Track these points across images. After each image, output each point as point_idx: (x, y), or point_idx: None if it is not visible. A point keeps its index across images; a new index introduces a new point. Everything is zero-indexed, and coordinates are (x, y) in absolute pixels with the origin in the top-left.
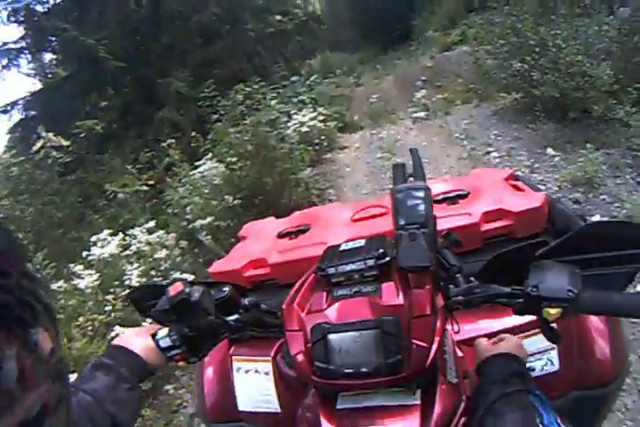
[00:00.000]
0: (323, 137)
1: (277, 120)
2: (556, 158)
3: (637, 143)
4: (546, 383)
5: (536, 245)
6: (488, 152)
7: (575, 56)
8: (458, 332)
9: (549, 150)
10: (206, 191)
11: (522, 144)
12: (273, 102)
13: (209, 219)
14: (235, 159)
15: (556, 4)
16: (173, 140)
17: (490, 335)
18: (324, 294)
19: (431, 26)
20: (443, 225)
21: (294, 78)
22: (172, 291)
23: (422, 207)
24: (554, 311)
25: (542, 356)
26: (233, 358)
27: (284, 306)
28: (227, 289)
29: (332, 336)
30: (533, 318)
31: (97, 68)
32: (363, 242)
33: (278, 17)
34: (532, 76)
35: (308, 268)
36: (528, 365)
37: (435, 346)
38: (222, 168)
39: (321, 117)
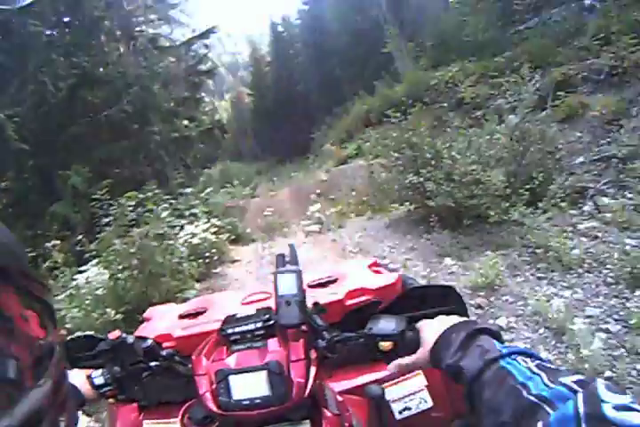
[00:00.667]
0: (214, 250)
1: (165, 234)
2: (454, 267)
3: (533, 240)
4: (427, 418)
5: (376, 304)
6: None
7: (469, 165)
8: (331, 376)
9: (447, 259)
10: (87, 302)
11: (417, 254)
12: (164, 214)
13: (88, 333)
14: (120, 267)
15: (450, 118)
16: (58, 242)
17: (367, 384)
18: (225, 348)
19: (329, 139)
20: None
21: (188, 190)
22: (111, 336)
23: (295, 283)
24: (386, 344)
25: (415, 396)
26: (144, 422)
27: (193, 357)
28: (150, 341)
29: (231, 377)
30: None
31: (2, 147)
32: (253, 309)
33: (185, 122)
34: (427, 188)
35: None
36: (404, 405)
37: (310, 381)
38: (107, 276)
39: (213, 229)
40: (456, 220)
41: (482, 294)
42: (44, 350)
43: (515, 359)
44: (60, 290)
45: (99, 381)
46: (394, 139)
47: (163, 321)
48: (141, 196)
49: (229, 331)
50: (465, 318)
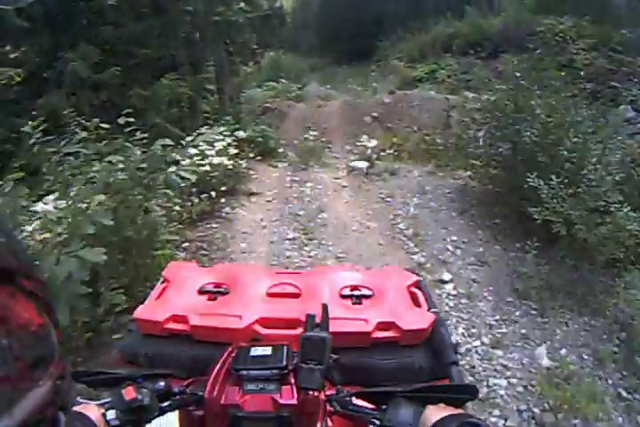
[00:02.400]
0: (226, 179)
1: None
2: (535, 332)
3: None
4: None
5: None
6: (442, 281)
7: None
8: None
9: (524, 308)
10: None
11: (488, 278)
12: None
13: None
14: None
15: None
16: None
17: None
18: (237, 388)
19: (397, 52)
20: (342, 328)
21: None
22: (126, 395)
23: (322, 351)
24: None
25: None
26: None
27: (206, 395)
28: (162, 384)
29: (244, 423)
30: None
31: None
32: (269, 350)
33: (241, 4)
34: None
35: (222, 335)
36: None
37: None
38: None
39: (234, 148)
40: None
41: None
42: (44, 350)
43: None
44: None
45: (113, 422)
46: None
47: (180, 294)
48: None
49: (243, 372)
50: (459, 411)
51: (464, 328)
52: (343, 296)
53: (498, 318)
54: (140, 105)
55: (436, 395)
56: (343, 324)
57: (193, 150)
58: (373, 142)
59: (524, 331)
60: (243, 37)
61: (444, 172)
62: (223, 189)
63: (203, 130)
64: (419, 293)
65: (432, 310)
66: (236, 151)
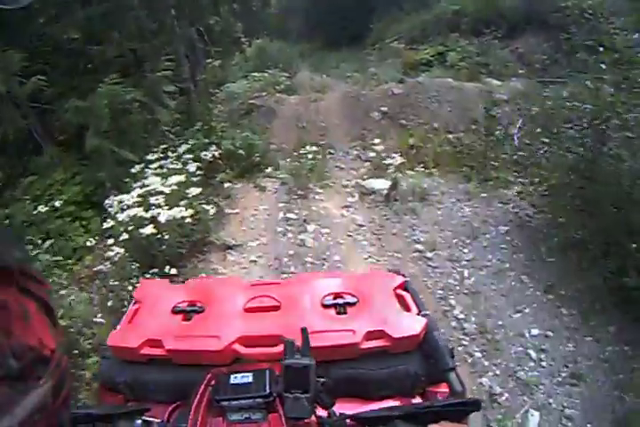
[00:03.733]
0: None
1: None
2: None
3: None
4: None
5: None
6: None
7: None
8: None
9: None
10: None
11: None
12: None
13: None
14: None
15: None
16: None
17: None
18: (221, 419)
19: (392, 34)
20: (327, 341)
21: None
22: None
23: (307, 379)
24: None
25: None
26: None
27: None
28: (139, 422)
29: None
30: None
31: None
32: (250, 377)
33: None
34: None
35: (202, 358)
36: None
37: None
38: None
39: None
40: None
41: None
42: (44, 350)
43: None
44: None
45: None
46: None
47: (153, 316)
48: None
49: (224, 403)
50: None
51: None
52: (326, 306)
53: None
54: (77, 121)
55: (435, 413)
56: (328, 337)
57: (132, 197)
58: (386, 146)
59: None
60: (221, 24)
61: (485, 189)
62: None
63: (155, 156)
64: (406, 295)
65: (422, 313)
66: (198, 191)
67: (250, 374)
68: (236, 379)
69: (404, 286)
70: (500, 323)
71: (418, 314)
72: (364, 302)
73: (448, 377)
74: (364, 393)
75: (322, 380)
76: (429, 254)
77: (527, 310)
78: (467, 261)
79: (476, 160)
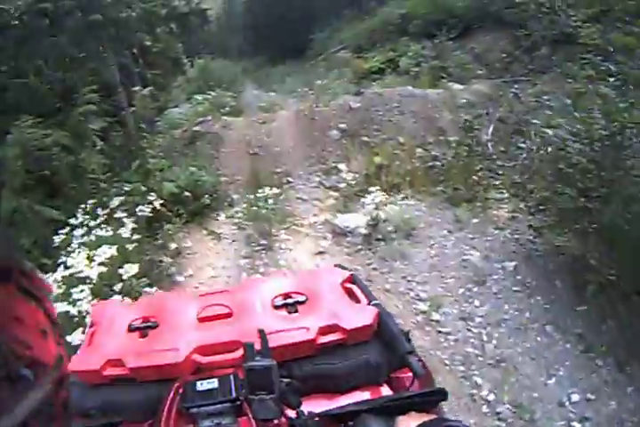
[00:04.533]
0: None
1: None
2: None
3: None
4: None
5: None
6: None
7: None
8: None
9: None
10: None
11: None
12: None
13: None
14: None
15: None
16: None
17: None
18: (192, 426)
19: (335, 44)
20: (283, 340)
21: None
22: None
23: (270, 380)
24: None
25: None
26: None
27: None
28: None
29: None
30: None
31: None
32: (215, 382)
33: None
34: None
35: (165, 372)
36: None
37: None
38: None
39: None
40: None
41: None
42: (43, 351)
43: None
44: None
45: None
46: None
47: (111, 336)
48: None
49: (193, 410)
50: (432, 416)
51: None
52: (277, 307)
53: None
54: None
55: (403, 404)
56: (284, 336)
57: (55, 281)
58: (350, 168)
59: None
60: (158, 46)
61: (474, 213)
62: None
63: (80, 219)
64: (354, 288)
65: (372, 302)
66: (135, 270)
67: (215, 380)
68: (202, 385)
69: (352, 280)
70: (536, 395)
71: (368, 304)
72: (314, 299)
73: (408, 361)
74: (332, 388)
75: (286, 380)
76: (436, 316)
77: (561, 372)
78: (480, 317)
79: (452, 175)
